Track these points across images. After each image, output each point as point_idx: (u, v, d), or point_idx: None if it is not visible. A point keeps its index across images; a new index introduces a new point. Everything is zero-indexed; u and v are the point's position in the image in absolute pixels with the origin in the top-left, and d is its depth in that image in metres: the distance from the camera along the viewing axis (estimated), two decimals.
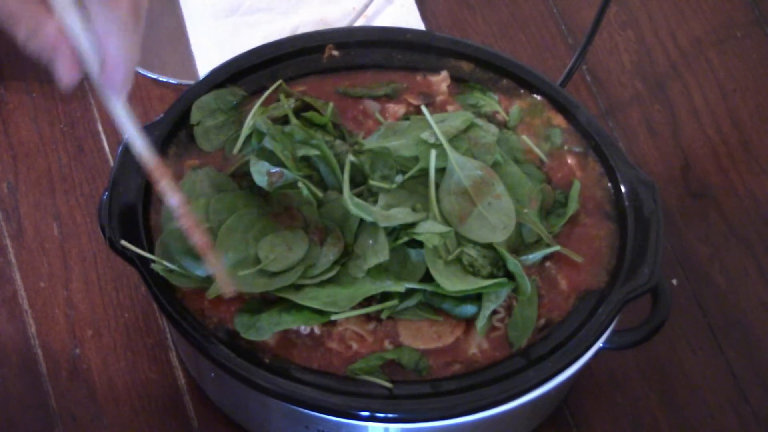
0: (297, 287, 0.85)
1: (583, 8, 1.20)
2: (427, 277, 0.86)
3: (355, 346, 0.85)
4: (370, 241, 0.86)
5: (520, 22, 1.21)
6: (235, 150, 0.92)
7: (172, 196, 0.74)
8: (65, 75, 0.67)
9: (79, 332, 1.02)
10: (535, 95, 0.97)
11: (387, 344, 0.85)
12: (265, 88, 0.94)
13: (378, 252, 0.85)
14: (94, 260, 1.05)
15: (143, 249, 0.86)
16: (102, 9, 0.65)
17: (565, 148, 0.95)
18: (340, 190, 0.88)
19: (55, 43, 0.66)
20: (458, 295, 0.85)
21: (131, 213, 0.88)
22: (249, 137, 0.92)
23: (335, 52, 0.98)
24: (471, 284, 0.84)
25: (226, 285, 0.80)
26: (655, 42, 1.20)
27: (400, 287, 0.85)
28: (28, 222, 1.07)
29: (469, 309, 0.86)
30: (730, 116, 1.16)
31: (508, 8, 1.22)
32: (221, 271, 0.80)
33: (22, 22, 0.66)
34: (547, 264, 0.89)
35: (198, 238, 0.76)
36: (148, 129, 0.91)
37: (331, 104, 0.94)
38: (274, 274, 0.85)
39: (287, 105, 0.93)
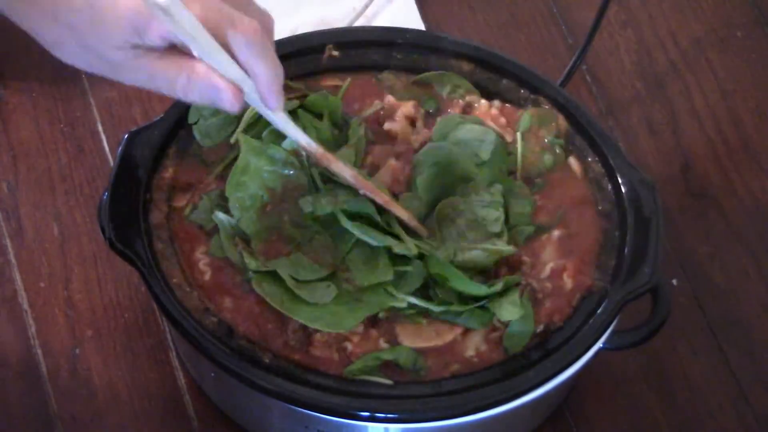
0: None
1: (583, 8, 1.20)
2: (423, 287, 0.86)
3: (349, 347, 0.85)
4: (364, 257, 0.86)
5: (520, 22, 1.21)
6: (233, 139, 0.91)
7: (345, 171, 0.83)
8: (232, 106, 0.74)
9: (79, 332, 1.02)
10: (542, 104, 0.96)
11: (382, 343, 0.85)
12: None
13: (377, 270, 0.85)
14: (94, 260, 1.05)
15: (143, 249, 0.86)
16: (236, 37, 0.71)
17: (566, 156, 0.95)
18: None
19: (209, 80, 0.72)
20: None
21: (131, 213, 0.88)
22: (252, 126, 0.91)
23: (335, 53, 0.98)
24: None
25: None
26: (655, 42, 1.20)
27: (402, 302, 0.85)
28: (28, 222, 1.07)
29: (467, 320, 0.86)
30: (730, 116, 1.16)
31: (508, 8, 1.22)
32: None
33: (174, 78, 0.73)
34: (548, 265, 0.89)
35: (380, 198, 0.84)
36: (149, 128, 0.91)
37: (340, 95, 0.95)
38: None
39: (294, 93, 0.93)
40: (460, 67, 0.97)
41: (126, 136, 0.91)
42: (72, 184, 1.09)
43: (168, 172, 0.91)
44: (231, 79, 0.73)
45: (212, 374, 0.93)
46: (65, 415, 0.99)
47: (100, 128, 1.12)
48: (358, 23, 1.17)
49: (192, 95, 0.74)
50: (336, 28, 1.02)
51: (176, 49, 0.74)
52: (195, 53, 0.73)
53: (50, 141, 1.11)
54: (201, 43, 0.72)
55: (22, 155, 1.10)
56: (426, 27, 1.18)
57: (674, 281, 1.06)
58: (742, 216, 1.11)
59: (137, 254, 0.86)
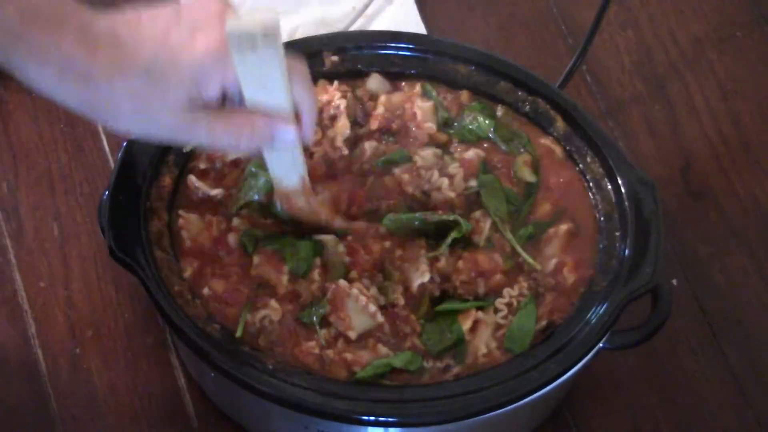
0: None
1: (583, 8, 1.20)
2: None
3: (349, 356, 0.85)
4: None
5: (520, 22, 1.21)
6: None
7: (321, 214, 0.89)
8: (296, 137, 0.78)
9: (79, 332, 1.02)
10: (540, 106, 0.96)
11: (381, 349, 0.85)
12: None
13: None
14: (94, 260, 1.05)
15: (144, 257, 0.86)
16: (296, 67, 0.77)
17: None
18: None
19: (273, 125, 0.77)
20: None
21: (131, 221, 0.88)
22: None
23: (334, 58, 0.98)
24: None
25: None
26: (655, 42, 1.20)
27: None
28: (28, 222, 1.07)
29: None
30: (730, 116, 1.16)
31: (508, 8, 1.22)
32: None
33: (237, 136, 0.76)
34: (550, 265, 0.89)
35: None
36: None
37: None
38: None
39: None
40: (458, 70, 0.97)
41: (125, 144, 0.91)
42: (72, 184, 1.09)
43: (166, 180, 0.91)
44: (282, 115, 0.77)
45: (212, 374, 0.92)
46: (65, 415, 0.99)
47: (100, 128, 1.12)
48: (357, 23, 1.17)
49: (255, 144, 0.78)
50: (333, 33, 1.02)
51: (224, 106, 0.76)
52: (246, 95, 0.75)
53: (50, 141, 1.11)
54: (271, 79, 0.74)
55: (22, 155, 1.10)
56: (425, 27, 1.18)
57: (674, 281, 1.06)
58: (742, 216, 1.11)
59: (138, 263, 0.86)
